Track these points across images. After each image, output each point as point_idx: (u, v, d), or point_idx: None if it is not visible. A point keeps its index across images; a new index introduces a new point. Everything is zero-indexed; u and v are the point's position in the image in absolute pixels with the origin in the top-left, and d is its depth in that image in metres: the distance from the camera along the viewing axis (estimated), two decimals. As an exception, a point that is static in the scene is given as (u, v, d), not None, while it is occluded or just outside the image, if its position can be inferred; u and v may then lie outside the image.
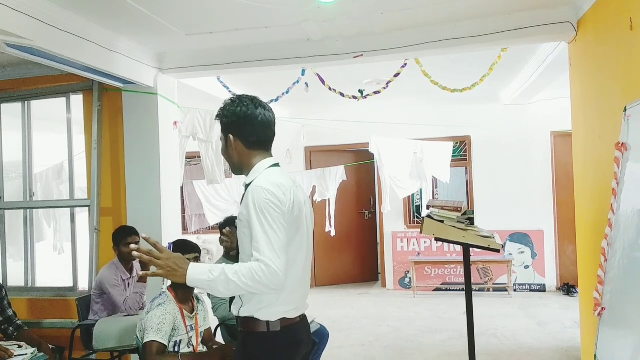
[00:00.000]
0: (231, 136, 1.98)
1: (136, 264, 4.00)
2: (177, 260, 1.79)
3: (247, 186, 1.98)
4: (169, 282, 2.09)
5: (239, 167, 2.03)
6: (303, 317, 2.02)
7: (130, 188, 4.28)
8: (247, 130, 1.97)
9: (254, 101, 2.00)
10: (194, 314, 2.87)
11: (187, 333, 2.79)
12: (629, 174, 2.46)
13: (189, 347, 2.80)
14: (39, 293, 4.62)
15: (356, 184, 8.12)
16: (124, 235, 3.84)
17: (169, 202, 4.34)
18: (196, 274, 1.78)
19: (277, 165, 2.02)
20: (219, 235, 4.03)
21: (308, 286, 2.06)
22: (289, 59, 4.08)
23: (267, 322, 1.88)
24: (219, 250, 7.07)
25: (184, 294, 2.84)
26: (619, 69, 2.88)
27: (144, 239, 1.82)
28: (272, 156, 2.04)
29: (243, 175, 2.05)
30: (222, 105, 2.03)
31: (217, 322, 3.71)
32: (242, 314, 1.92)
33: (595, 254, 2.83)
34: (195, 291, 2.97)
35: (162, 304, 2.72)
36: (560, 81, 5.16)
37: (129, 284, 3.87)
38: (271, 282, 1.75)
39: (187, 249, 2.88)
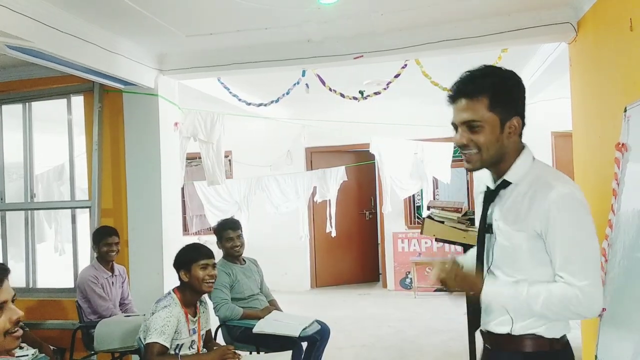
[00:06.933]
0: (519, 119, 1.65)
1: (118, 267, 4.01)
2: (469, 282, 1.63)
3: (505, 184, 1.63)
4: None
5: (497, 159, 1.64)
6: None
7: (130, 189, 4.29)
8: (524, 109, 1.66)
9: None
10: (196, 317, 2.86)
11: (190, 336, 2.78)
12: (629, 175, 2.45)
13: (190, 350, 2.79)
14: (40, 294, 4.62)
15: (357, 184, 8.12)
16: (103, 235, 3.88)
17: (170, 203, 4.35)
18: (495, 294, 1.60)
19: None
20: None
21: None
22: (289, 59, 4.08)
23: (552, 339, 1.60)
24: (218, 252, 7.06)
25: (191, 297, 2.83)
26: (619, 70, 2.88)
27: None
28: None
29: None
30: (498, 73, 1.62)
31: (217, 323, 3.71)
32: (516, 332, 1.62)
33: (596, 254, 2.82)
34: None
35: (167, 306, 2.70)
36: (560, 82, 5.15)
37: (113, 282, 3.89)
38: (589, 311, 1.48)
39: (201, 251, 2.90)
